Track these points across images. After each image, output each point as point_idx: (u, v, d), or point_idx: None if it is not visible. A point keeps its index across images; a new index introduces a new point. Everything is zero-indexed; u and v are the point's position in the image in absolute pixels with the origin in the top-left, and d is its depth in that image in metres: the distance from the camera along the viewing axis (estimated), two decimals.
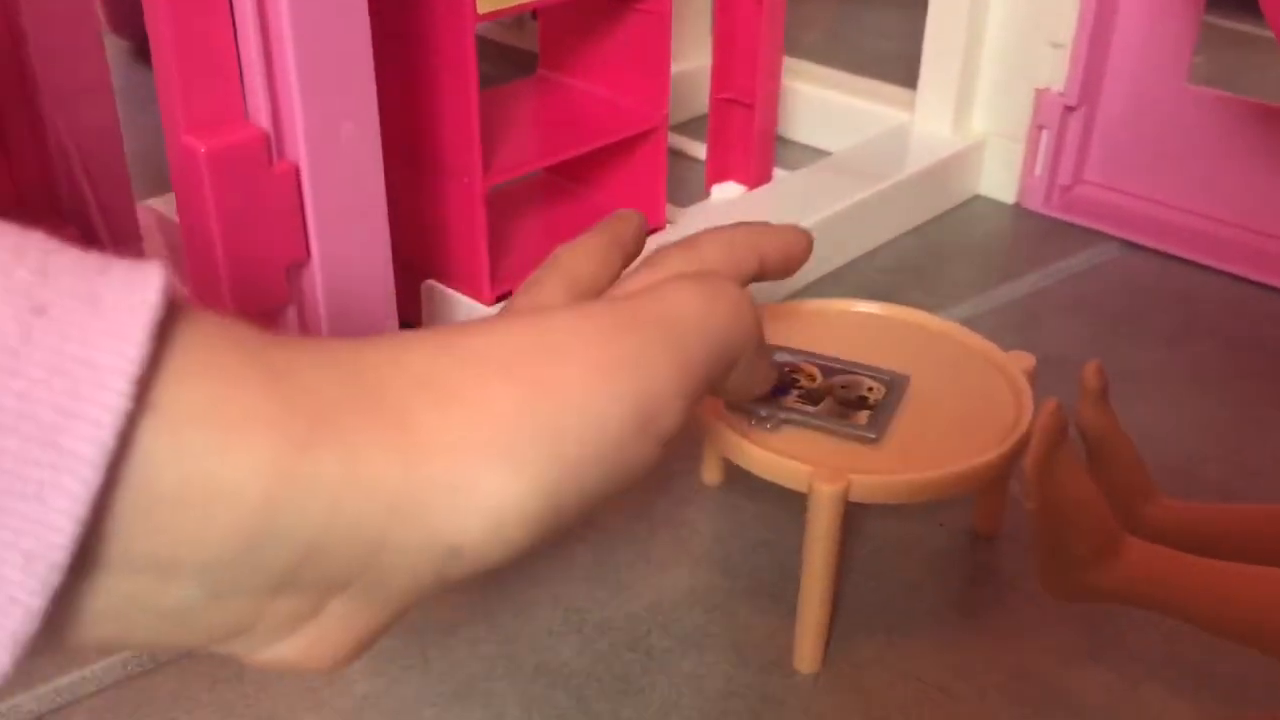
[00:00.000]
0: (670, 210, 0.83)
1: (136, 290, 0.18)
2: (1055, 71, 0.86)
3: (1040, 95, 0.87)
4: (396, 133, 0.67)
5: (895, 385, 0.53)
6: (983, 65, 0.90)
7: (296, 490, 0.20)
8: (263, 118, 0.50)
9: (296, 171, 0.51)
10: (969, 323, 0.77)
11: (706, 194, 0.88)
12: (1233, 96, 0.82)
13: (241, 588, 0.21)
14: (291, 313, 0.54)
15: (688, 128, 1.02)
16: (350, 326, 0.55)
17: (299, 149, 0.50)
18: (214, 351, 0.19)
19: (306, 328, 0.55)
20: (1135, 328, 0.77)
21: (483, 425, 0.22)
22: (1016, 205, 0.91)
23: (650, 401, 0.25)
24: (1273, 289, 0.80)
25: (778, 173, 0.88)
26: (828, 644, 0.52)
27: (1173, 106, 0.84)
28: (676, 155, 0.97)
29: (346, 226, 0.53)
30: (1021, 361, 0.54)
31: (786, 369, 0.54)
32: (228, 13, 0.48)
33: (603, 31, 0.75)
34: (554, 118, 0.75)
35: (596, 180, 0.79)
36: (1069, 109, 0.86)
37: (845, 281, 0.82)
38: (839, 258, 0.83)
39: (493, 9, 0.62)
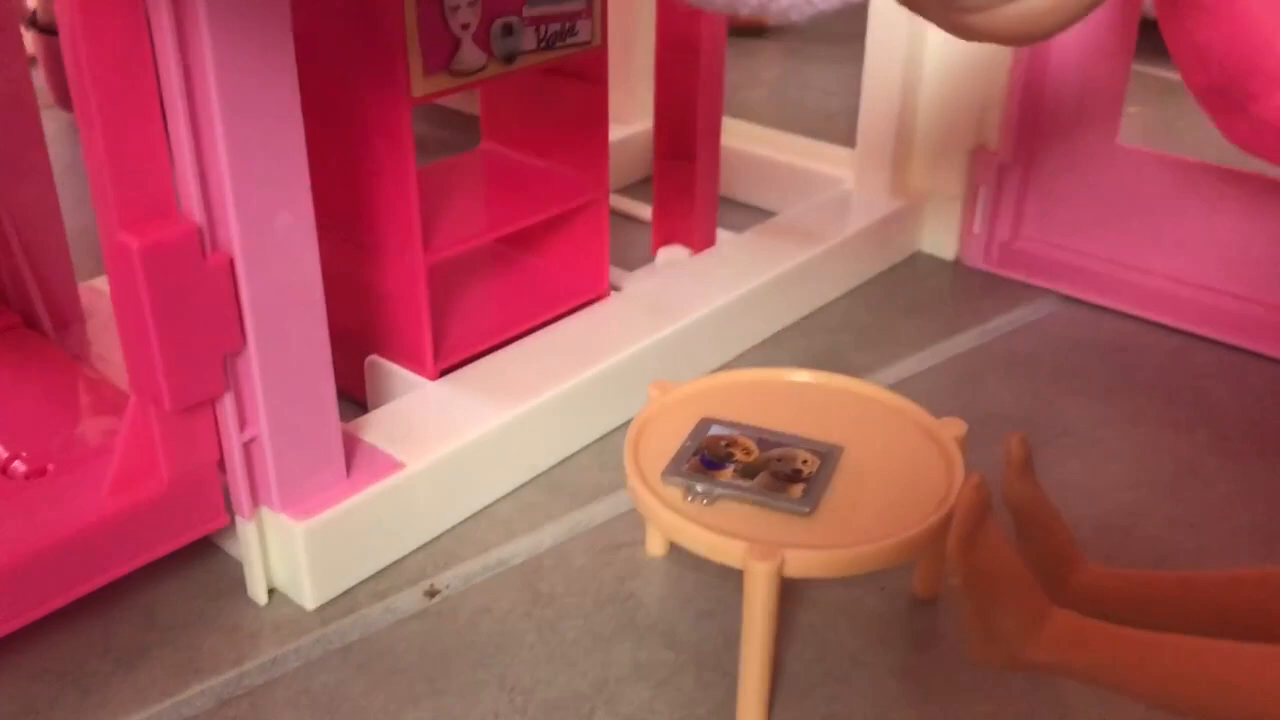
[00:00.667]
0: (616, 274, 0.84)
1: None
2: (990, 131, 0.88)
3: (976, 154, 0.89)
4: (338, 210, 0.67)
5: (829, 457, 0.53)
6: (919, 126, 0.92)
7: None
8: (196, 211, 0.50)
9: (230, 263, 0.51)
10: (912, 381, 0.78)
11: (653, 257, 0.90)
12: (1161, 153, 0.84)
13: None
14: (229, 401, 0.54)
15: (635, 189, 1.04)
16: (291, 411, 0.56)
17: (233, 240, 0.51)
18: None
19: (245, 417, 0.55)
20: (1073, 382, 0.78)
21: None
22: (957, 261, 0.93)
23: None
24: (1207, 340, 0.82)
25: (723, 234, 0.89)
26: (770, 716, 0.52)
27: (1104, 163, 0.86)
28: (623, 218, 0.98)
29: (283, 314, 0.54)
30: (952, 428, 0.55)
31: (724, 443, 0.54)
32: (158, 108, 0.49)
33: (543, 105, 0.76)
34: (496, 191, 0.75)
35: (540, 248, 0.79)
36: (1004, 167, 0.88)
37: (790, 343, 0.83)
38: (785, 319, 0.84)
39: (426, 93, 0.62)
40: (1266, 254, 0.81)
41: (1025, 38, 0.26)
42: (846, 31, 0.89)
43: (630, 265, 0.89)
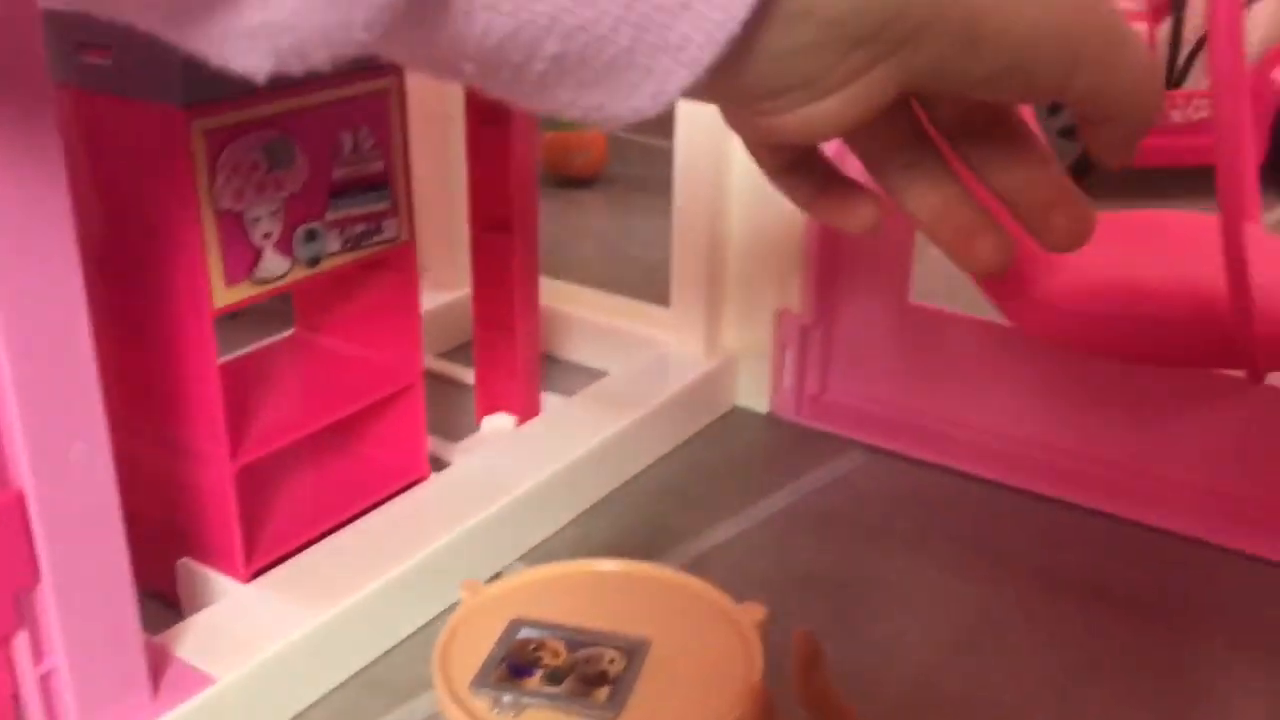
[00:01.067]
0: (441, 445, 0.85)
1: None
2: (792, 293, 0.92)
3: (780, 316, 0.93)
4: (146, 413, 0.67)
5: (635, 654, 0.55)
6: (728, 287, 0.96)
7: None
8: None
9: (21, 498, 0.51)
10: (729, 544, 0.80)
11: (478, 425, 0.91)
12: (947, 311, 0.90)
13: (839, 39, 0.26)
14: (23, 638, 0.53)
15: (460, 352, 1.05)
16: (91, 640, 0.55)
17: (23, 475, 0.50)
18: None
19: (40, 650, 0.54)
20: (881, 537, 0.82)
21: None
22: (771, 415, 0.97)
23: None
24: (1008, 488, 0.87)
25: (548, 398, 0.91)
26: None
27: (898, 320, 0.91)
28: (448, 383, 0.99)
29: (80, 545, 0.53)
30: (752, 614, 0.58)
31: (532, 646, 0.55)
32: None
33: (354, 291, 0.77)
34: (308, 382, 0.76)
35: (356, 433, 0.80)
36: (806, 328, 0.92)
37: (613, 511, 0.84)
38: (609, 485, 0.86)
39: (228, 303, 0.63)
40: (1058, 403, 0.87)
41: (819, 136, 0.29)
42: (668, 179, 0.93)
43: (457, 433, 0.90)
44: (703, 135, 0.90)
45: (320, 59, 0.24)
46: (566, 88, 0.26)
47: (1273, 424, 0.79)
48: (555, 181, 1.52)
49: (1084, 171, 1.52)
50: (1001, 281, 0.77)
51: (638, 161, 1.63)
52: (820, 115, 0.28)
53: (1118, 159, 0.32)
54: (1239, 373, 0.77)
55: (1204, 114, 1.54)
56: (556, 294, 1.06)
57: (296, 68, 0.24)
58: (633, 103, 0.26)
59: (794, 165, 0.35)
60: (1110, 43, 0.29)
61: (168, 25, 0.24)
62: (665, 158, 0.93)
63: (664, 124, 0.89)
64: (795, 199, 0.35)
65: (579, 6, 0.24)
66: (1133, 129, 0.31)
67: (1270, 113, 1.53)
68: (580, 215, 1.45)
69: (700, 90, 0.26)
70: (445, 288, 1.08)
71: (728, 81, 0.27)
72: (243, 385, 0.73)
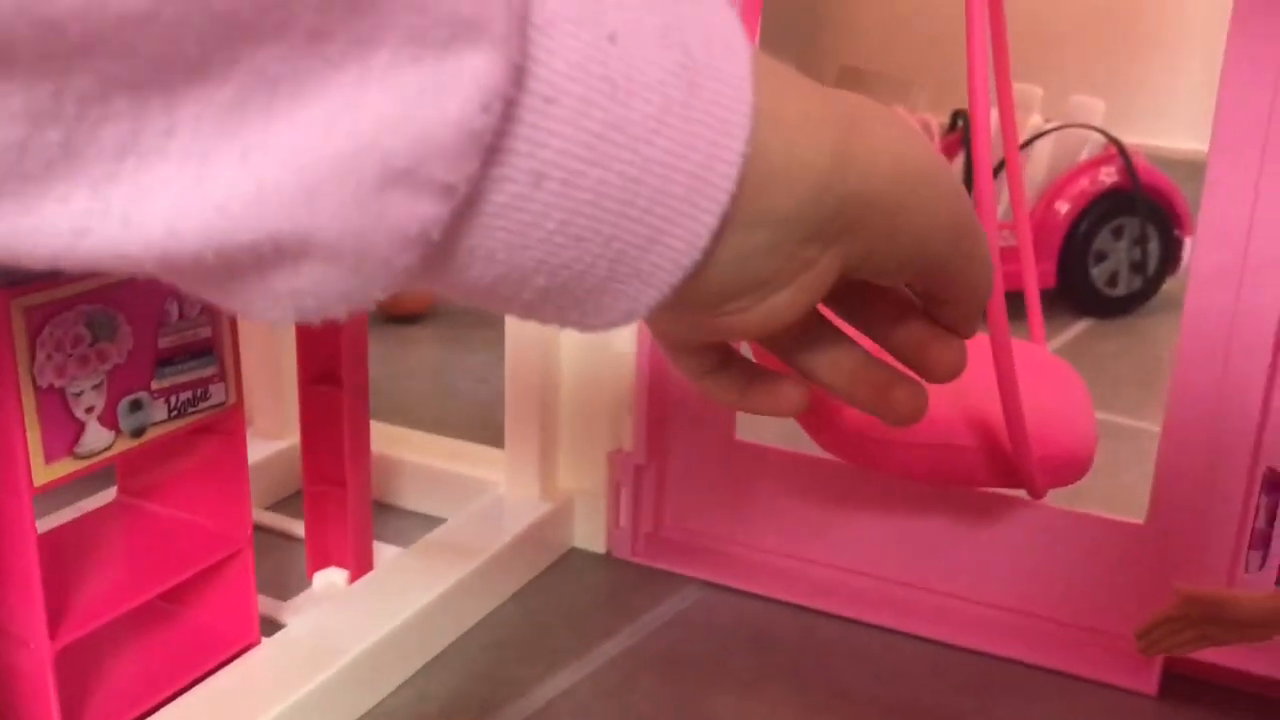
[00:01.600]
0: (271, 604, 0.83)
1: (738, 55, 0.27)
2: (623, 433, 0.94)
3: (612, 456, 0.95)
4: None
5: None
6: (561, 428, 0.97)
7: (842, 164, 0.29)
8: None
9: None
10: (569, 693, 0.81)
11: (309, 581, 0.89)
12: (771, 447, 0.93)
13: (791, 236, 0.29)
14: None
15: (290, 503, 1.03)
16: None
17: None
18: (783, 81, 0.29)
19: None
20: (718, 676, 0.83)
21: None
22: (608, 555, 0.98)
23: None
24: (836, 617, 0.90)
25: (382, 549, 0.90)
26: None
27: (725, 456, 0.94)
28: (278, 537, 0.97)
29: None
30: None
31: None
32: None
33: (180, 455, 0.75)
34: (133, 551, 0.74)
35: (184, 603, 0.77)
36: (640, 467, 0.94)
37: (451, 664, 0.84)
38: (446, 638, 0.86)
39: (49, 480, 0.61)
40: (881, 532, 0.90)
41: (779, 327, 0.31)
42: (499, 315, 0.94)
43: (288, 590, 0.88)
44: None
45: (338, 313, 0.25)
46: (549, 309, 0.28)
47: (1060, 544, 0.85)
48: (385, 318, 1.52)
49: None
50: (814, 414, 0.81)
51: None
52: (780, 306, 0.30)
53: (965, 332, 0.36)
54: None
55: (1001, 244, 1.65)
56: (388, 439, 1.05)
57: (315, 320, 0.25)
58: (607, 318, 0.29)
59: (719, 366, 0.37)
60: (975, 236, 0.33)
61: (193, 287, 0.25)
62: None
63: None
64: (723, 397, 0.37)
65: (563, 250, 0.26)
66: (977, 307, 0.35)
67: (1058, 241, 1.65)
68: (411, 352, 1.45)
69: (670, 300, 0.29)
70: (273, 437, 1.06)
71: (694, 289, 0.29)
72: (62, 559, 0.70)
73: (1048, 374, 0.86)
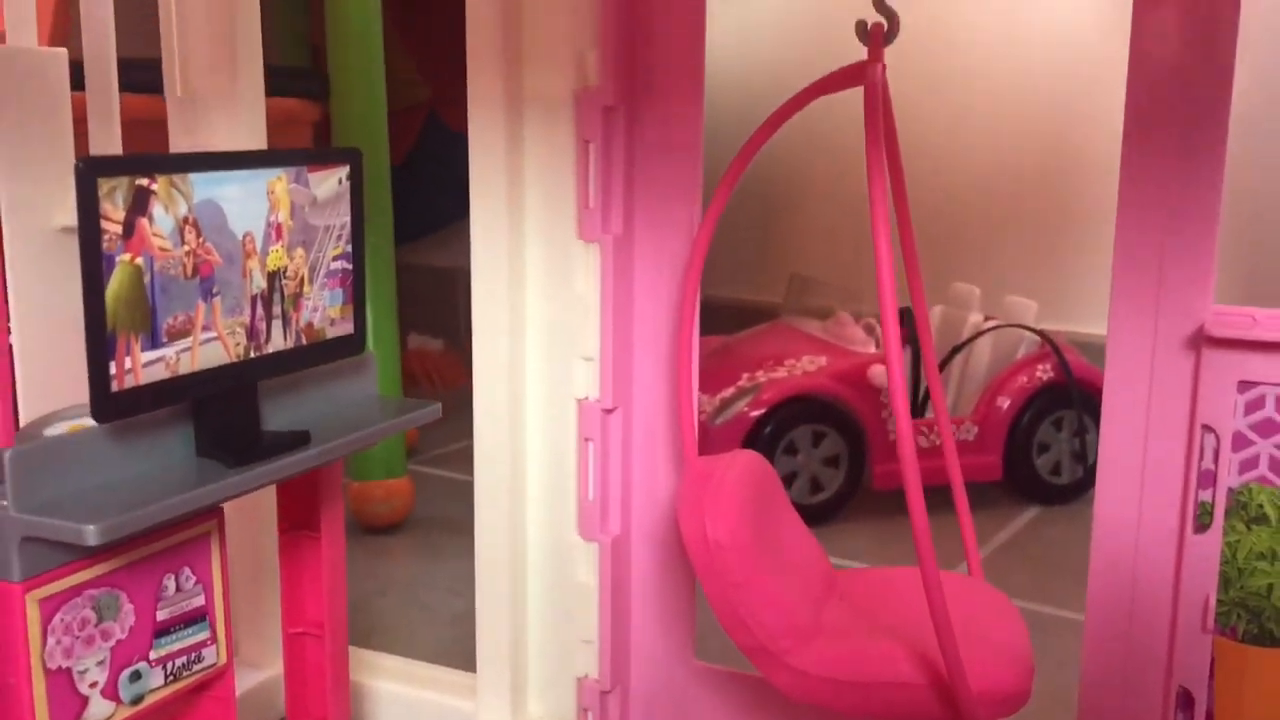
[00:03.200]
0: None
1: None
2: (590, 662, 1.00)
3: (581, 683, 1.01)
4: None
5: None
6: (530, 658, 1.03)
7: None
8: None
9: None
10: None
11: None
12: (728, 670, 0.99)
13: None
14: None
15: None
16: None
17: None
18: None
19: None
20: None
21: None
22: None
23: None
24: None
25: None
26: None
27: (686, 680, 1.00)
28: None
29: None
30: None
31: None
32: None
33: (174, 714, 0.81)
34: None
35: None
36: (604, 693, 1.00)
37: None
38: None
39: None
40: None
41: None
42: (471, 516, 1.00)
43: None
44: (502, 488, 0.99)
45: None
46: None
47: None
48: (361, 530, 1.58)
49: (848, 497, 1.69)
50: (766, 654, 0.87)
51: (443, 499, 1.71)
52: None
53: None
54: None
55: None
56: (362, 664, 1.11)
57: None
58: None
59: None
60: None
61: None
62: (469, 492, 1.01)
63: (467, 460, 0.98)
64: None
65: None
66: None
67: (1003, 434, 1.74)
68: (385, 565, 1.51)
69: None
70: (257, 666, 1.11)
71: None
72: None
73: (986, 607, 0.92)
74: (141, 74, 1.22)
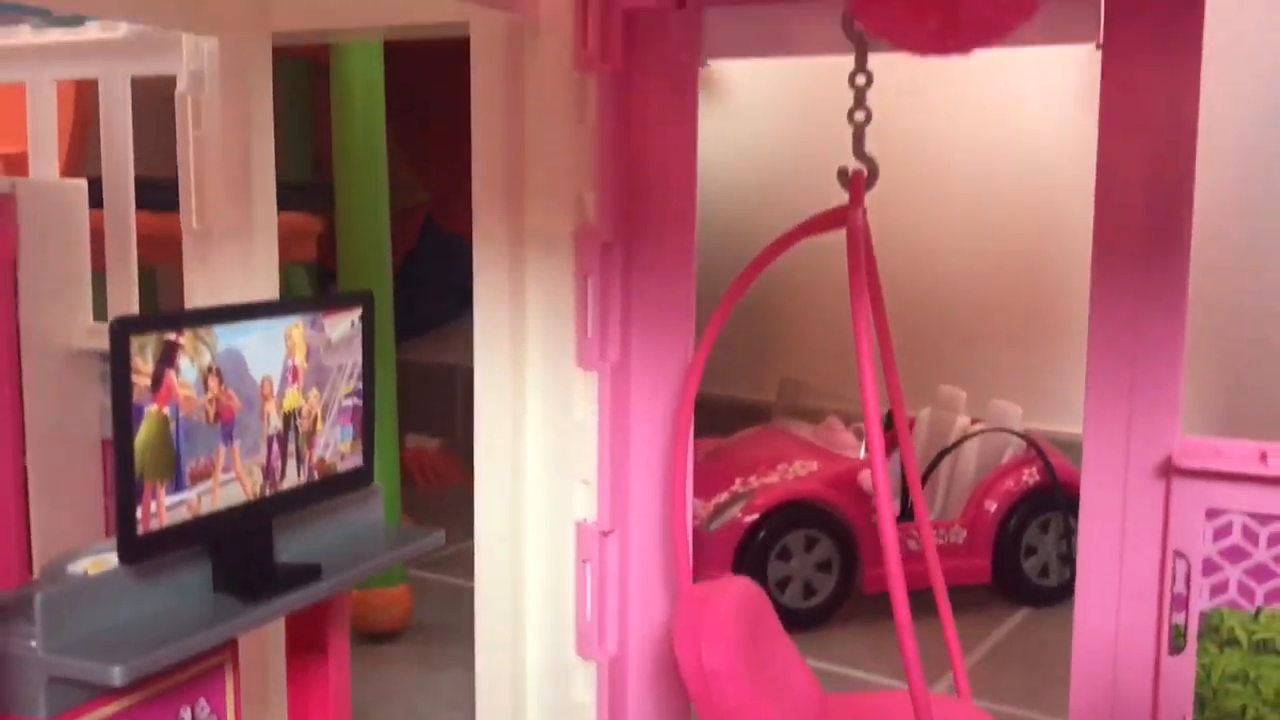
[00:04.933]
0: None
1: None
2: None
3: None
4: None
5: None
6: None
7: None
8: None
9: None
10: None
11: None
12: None
13: None
14: None
15: None
16: None
17: None
18: None
19: None
20: None
21: None
22: None
23: None
24: None
25: None
26: None
27: None
28: None
29: None
30: None
31: None
32: None
33: None
34: None
35: None
36: None
37: None
38: None
39: None
40: None
41: None
42: (472, 624, 1.03)
43: None
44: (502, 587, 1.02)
45: None
46: None
47: None
48: (360, 638, 1.60)
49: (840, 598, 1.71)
50: None
51: (442, 605, 1.73)
52: None
53: None
54: None
55: (934, 542, 1.77)
56: None
57: None
58: None
59: None
60: None
61: None
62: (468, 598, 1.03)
63: (466, 563, 1.01)
64: None
65: None
66: None
67: (991, 537, 1.77)
68: (385, 674, 1.53)
69: None
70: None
71: None
72: None
73: None
74: (158, 193, 1.27)
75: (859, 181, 0.89)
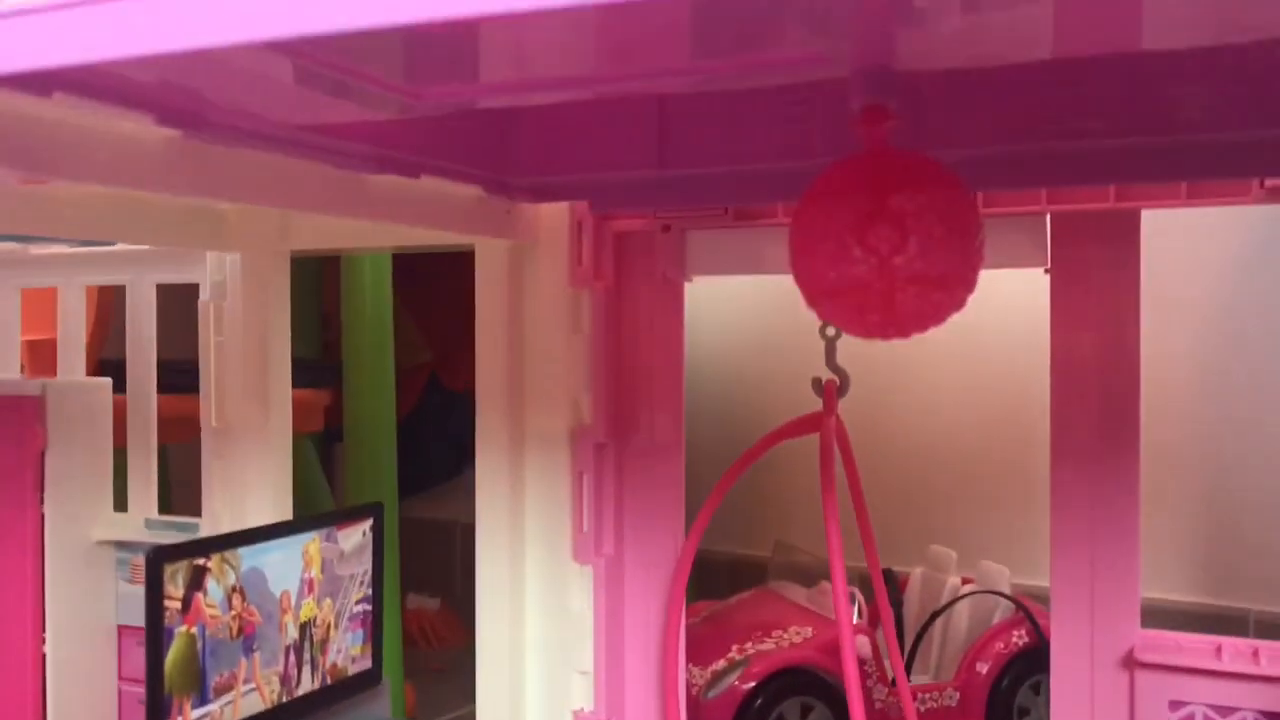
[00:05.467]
0: None
1: None
2: None
3: None
4: None
5: None
6: None
7: None
8: None
9: None
10: None
11: None
12: None
13: None
14: None
15: None
16: None
17: None
18: None
19: None
20: None
21: None
22: None
23: None
24: None
25: None
26: None
27: None
28: None
29: None
30: None
31: None
32: None
33: None
34: None
35: None
36: None
37: None
38: None
39: None
40: None
41: None
42: None
43: None
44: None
45: None
46: None
47: None
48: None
49: None
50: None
51: None
52: None
53: None
54: None
55: (927, 705, 1.80)
56: None
57: None
58: None
59: None
60: None
61: None
62: None
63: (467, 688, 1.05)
64: None
65: None
66: None
67: (983, 699, 1.80)
68: None
69: None
70: None
71: None
72: None
73: None
74: (172, 376, 1.34)
75: (831, 391, 0.97)
